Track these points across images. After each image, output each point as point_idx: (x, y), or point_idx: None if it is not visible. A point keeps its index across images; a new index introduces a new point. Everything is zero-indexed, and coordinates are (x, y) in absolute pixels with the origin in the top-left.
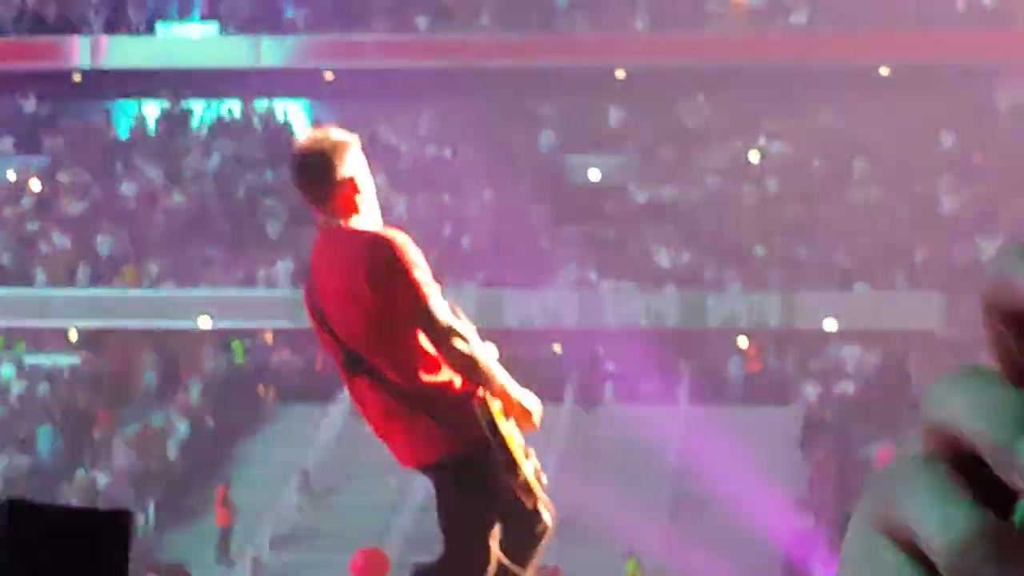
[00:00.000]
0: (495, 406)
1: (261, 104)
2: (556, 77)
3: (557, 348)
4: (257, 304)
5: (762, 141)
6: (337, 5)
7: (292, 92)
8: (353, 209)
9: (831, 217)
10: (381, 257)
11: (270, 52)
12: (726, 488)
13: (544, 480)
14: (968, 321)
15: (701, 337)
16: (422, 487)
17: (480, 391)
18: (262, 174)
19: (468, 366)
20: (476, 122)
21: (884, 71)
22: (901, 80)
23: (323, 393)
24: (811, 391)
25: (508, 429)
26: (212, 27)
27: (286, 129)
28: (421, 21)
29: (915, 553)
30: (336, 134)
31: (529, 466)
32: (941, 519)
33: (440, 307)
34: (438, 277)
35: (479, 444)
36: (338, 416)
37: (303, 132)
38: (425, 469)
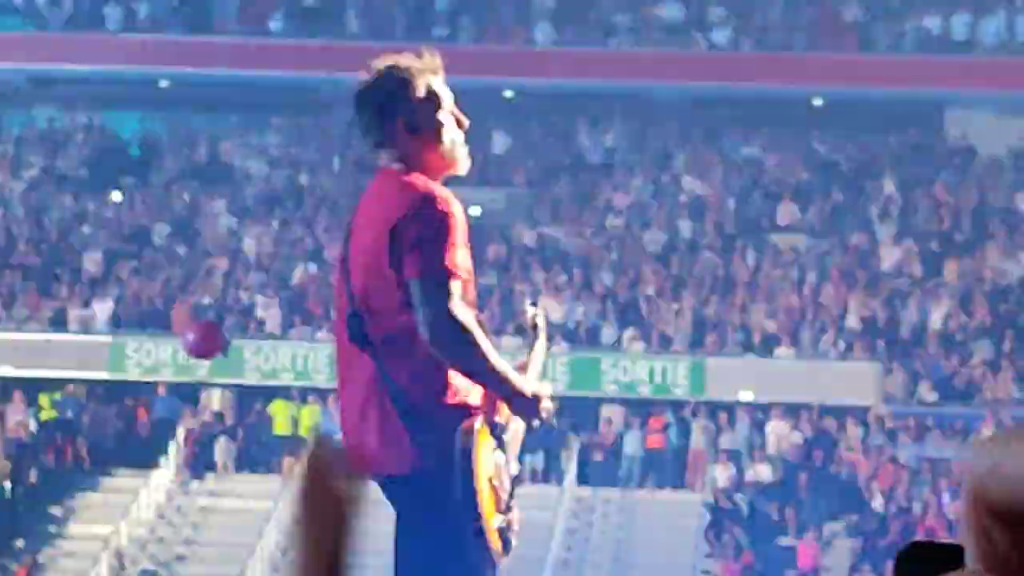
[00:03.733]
0: (482, 438)
1: (83, 114)
2: None
3: None
4: (69, 351)
5: (673, 178)
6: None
7: (121, 101)
8: (415, 155)
9: (751, 269)
10: (414, 211)
11: (94, 53)
12: None
13: (511, 538)
14: (908, 396)
15: (594, 406)
16: (259, 574)
17: (473, 421)
18: (81, 196)
19: (465, 364)
20: (337, 143)
21: (818, 101)
22: (837, 112)
23: (145, 458)
24: (721, 473)
25: (486, 468)
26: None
27: (113, 143)
28: (275, 23)
29: None
30: (403, 61)
31: (499, 518)
32: None
33: (455, 293)
34: (288, 322)
35: (443, 468)
36: (163, 486)
37: (133, 147)
38: (384, 482)
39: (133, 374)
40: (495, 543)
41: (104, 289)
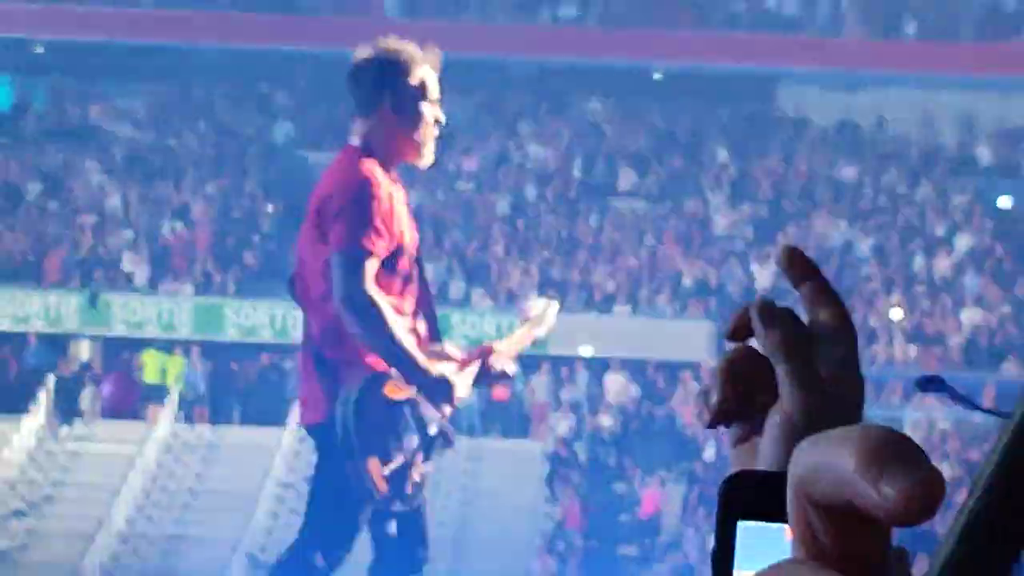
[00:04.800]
0: (377, 388)
1: None
2: (295, 63)
3: (287, 364)
4: None
5: (520, 144)
6: None
7: None
8: (387, 133)
9: (592, 231)
10: (343, 184)
11: None
12: (462, 529)
13: (407, 487)
14: None
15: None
16: (123, 515)
17: (369, 374)
18: None
19: (368, 337)
20: (203, 108)
21: (657, 75)
22: (675, 85)
23: (14, 402)
24: (562, 424)
25: (379, 415)
26: None
27: None
28: None
29: None
30: (408, 48)
31: (390, 467)
32: None
33: (369, 271)
34: (154, 277)
35: (333, 419)
36: (33, 431)
37: (6, 108)
38: (307, 429)
39: (4, 324)
40: (380, 485)
41: None
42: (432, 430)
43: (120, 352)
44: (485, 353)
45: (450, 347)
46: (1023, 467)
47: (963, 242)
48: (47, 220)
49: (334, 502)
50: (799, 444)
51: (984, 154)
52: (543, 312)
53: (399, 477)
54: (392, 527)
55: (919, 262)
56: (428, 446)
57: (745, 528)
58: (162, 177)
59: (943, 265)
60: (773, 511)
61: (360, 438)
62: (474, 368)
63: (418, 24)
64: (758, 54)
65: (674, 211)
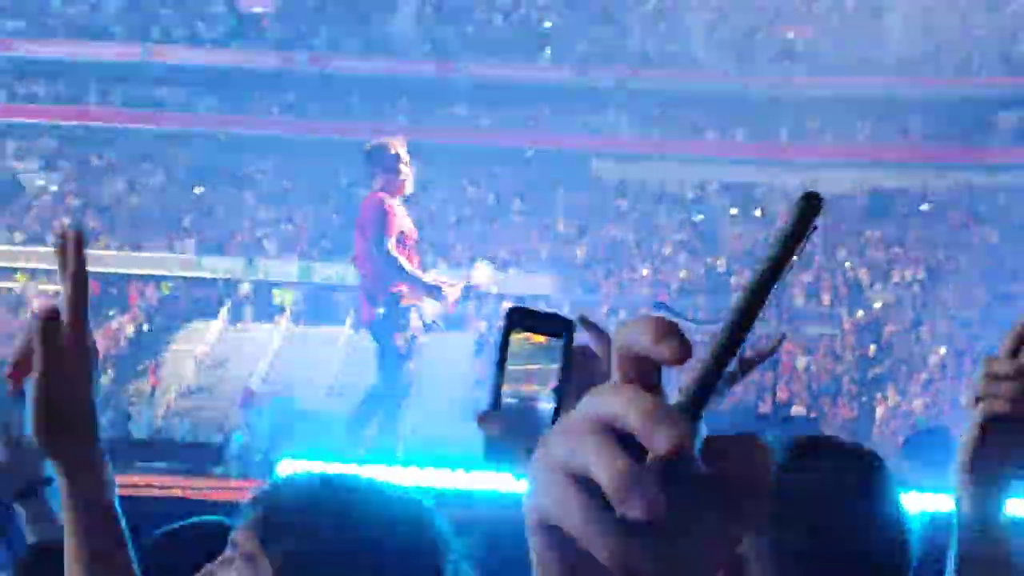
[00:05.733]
0: (394, 302)
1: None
2: (349, 144)
3: (344, 296)
4: (178, 263)
5: (461, 187)
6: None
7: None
8: (385, 182)
9: (496, 231)
10: (369, 208)
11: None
12: (424, 375)
13: (417, 344)
14: (570, 292)
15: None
16: (263, 370)
17: (390, 291)
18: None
19: (396, 274)
20: (303, 168)
21: (529, 153)
22: (538, 158)
23: (211, 312)
24: (482, 324)
25: (396, 314)
26: None
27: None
28: (313, 107)
29: (586, 486)
30: (393, 140)
31: (406, 335)
32: (607, 464)
33: (390, 245)
34: (279, 253)
35: (372, 319)
36: (218, 328)
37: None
38: (364, 326)
39: (207, 273)
40: (400, 344)
41: (188, 234)
42: (428, 319)
43: (263, 290)
44: (468, 278)
45: (442, 276)
46: (744, 318)
47: (677, 238)
48: (230, 223)
49: (391, 353)
50: (619, 326)
51: (687, 195)
52: (481, 274)
53: (414, 339)
54: (411, 365)
55: (656, 248)
56: (427, 327)
57: (515, 337)
58: (282, 202)
59: (668, 250)
60: (535, 330)
61: (388, 322)
62: (458, 286)
63: (413, 127)
64: (582, 143)
65: (533, 221)
